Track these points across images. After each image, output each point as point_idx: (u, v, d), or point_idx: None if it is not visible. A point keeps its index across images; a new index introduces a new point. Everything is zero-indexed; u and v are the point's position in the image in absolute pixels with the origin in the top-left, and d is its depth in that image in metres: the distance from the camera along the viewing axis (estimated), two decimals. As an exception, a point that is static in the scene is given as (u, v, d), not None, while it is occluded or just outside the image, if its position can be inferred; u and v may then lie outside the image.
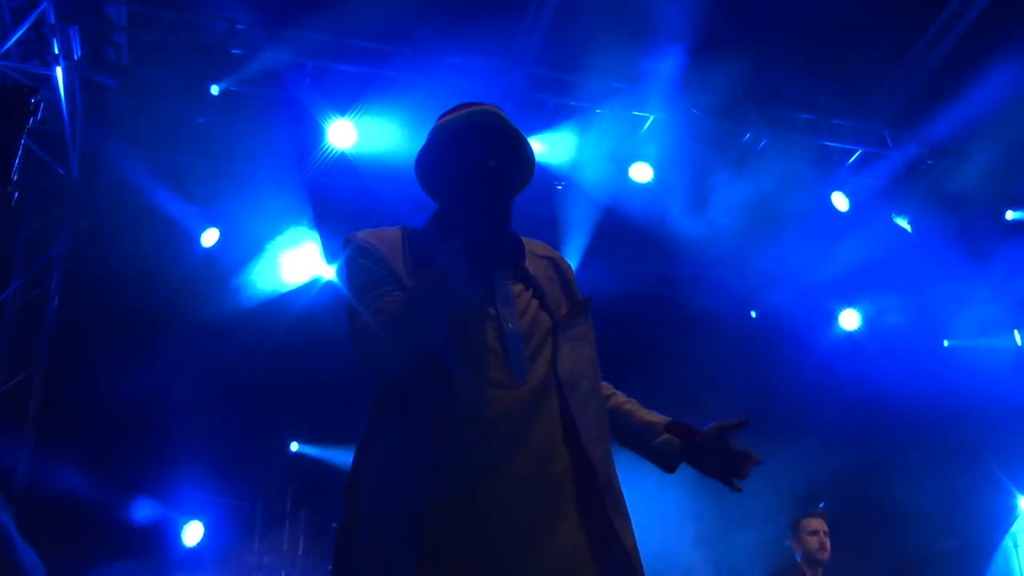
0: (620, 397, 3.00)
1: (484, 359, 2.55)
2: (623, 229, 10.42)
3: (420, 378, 2.51)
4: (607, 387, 2.98)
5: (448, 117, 2.84)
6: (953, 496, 10.37)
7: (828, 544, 6.71)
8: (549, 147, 9.45)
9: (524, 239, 2.88)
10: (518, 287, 2.70)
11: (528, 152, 2.89)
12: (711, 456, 2.82)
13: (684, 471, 2.87)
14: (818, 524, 6.75)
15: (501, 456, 2.47)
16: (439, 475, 2.43)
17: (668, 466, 2.84)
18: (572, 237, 10.08)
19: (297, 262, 9.99)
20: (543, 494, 2.48)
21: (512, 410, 2.51)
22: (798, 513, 6.97)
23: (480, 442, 2.47)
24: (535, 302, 2.70)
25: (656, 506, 9.21)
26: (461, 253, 2.49)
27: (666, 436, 2.84)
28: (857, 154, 10.19)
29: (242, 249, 9.78)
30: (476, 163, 2.68)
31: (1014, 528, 10.46)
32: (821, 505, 8.01)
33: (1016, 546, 10.47)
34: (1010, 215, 10.40)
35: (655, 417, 2.92)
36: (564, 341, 2.67)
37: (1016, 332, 10.70)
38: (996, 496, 10.35)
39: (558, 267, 2.88)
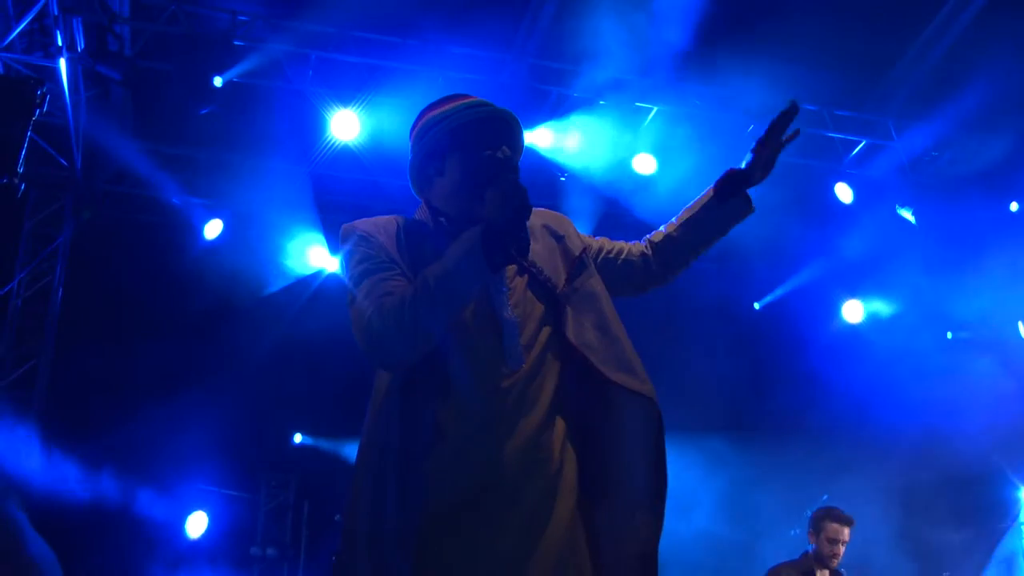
0: (658, 234, 3.18)
1: (480, 349, 2.57)
2: (626, 220, 10.41)
3: (420, 369, 2.52)
4: (637, 245, 3.15)
5: (441, 110, 2.82)
6: (957, 488, 10.38)
7: (842, 554, 6.73)
8: (552, 138, 9.44)
9: None
10: (511, 271, 2.71)
11: (523, 141, 2.90)
12: (764, 150, 3.19)
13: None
14: (841, 534, 6.73)
15: (498, 453, 2.50)
16: (437, 475, 2.48)
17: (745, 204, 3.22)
18: (575, 229, 10.06)
19: (301, 254, 9.99)
20: (537, 496, 2.52)
21: (508, 399, 2.54)
22: (825, 510, 6.96)
23: (477, 436, 2.51)
24: (527, 285, 2.70)
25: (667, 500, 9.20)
26: (480, 242, 2.45)
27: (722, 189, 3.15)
28: (861, 145, 10.16)
29: (245, 241, 9.78)
30: (494, 153, 2.68)
31: (1020, 519, 10.48)
32: (825, 497, 8.02)
33: (1022, 538, 10.49)
34: (1015, 207, 10.37)
35: (700, 200, 3.18)
36: (570, 309, 2.69)
37: (1020, 324, 10.68)
38: (999, 488, 10.35)
39: (555, 233, 2.88)
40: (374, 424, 2.59)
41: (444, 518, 2.47)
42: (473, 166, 2.68)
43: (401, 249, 2.67)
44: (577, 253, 2.83)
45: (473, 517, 2.48)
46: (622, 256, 3.07)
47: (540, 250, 2.79)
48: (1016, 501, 10.40)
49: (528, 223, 2.73)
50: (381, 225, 2.74)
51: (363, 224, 2.76)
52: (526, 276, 2.72)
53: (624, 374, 2.63)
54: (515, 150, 2.77)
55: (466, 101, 2.81)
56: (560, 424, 2.62)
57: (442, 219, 2.73)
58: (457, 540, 2.47)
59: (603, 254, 3.02)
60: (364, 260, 2.65)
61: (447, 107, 2.80)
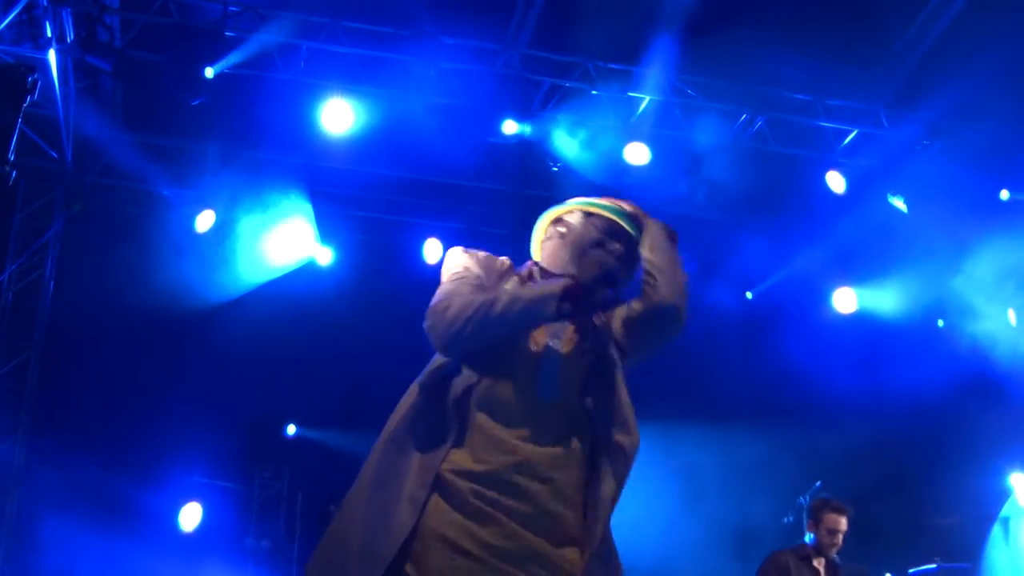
0: None
1: (519, 370, 2.82)
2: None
3: (471, 372, 2.80)
4: None
5: (587, 198, 3.18)
6: (947, 474, 10.44)
7: (841, 543, 6.81)
8: (544, 128, 9.44)
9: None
10: (571, 329, 2.94)
11: (637, 253, 3.11)
12: None
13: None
14: (841, 524, 6.81)
15: (511, 476, 2.69)
16: (457, 457, 2.70)
17: None
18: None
19: (292, 244, 9.99)
20: (533, 539, 2.66)
21: (533, 426, 2.77)
22: (823, 500, 7.01)
23: (501, 443, 2.72)
24: (583, 345, 2.93)
25: (663, 488, 9.25)
26: (560, 289, 2.73)
27: None
28: (853, 134, 10.17)
29: (237, 232, 9.77)
30: (607, 243, 3.06)
31: (1007, 505, 10.55)
32: (818, 484, 8.06)
33: (1008, 523, 10.58)
34: (1005, 195, 10.39)
35: None
36: (595, 382, 2.91)
37: (1010, 312, 10.72)
38: (988, 474, 10.41)
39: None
40: (407, 409, 2.82)
41: (456, 495, 2.63)
42: (586, 240, 3.07)
43: (491, 280, 2.99)
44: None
45: (482, 502, 2.63)
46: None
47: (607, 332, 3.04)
48: (1004, 486, 10.46)
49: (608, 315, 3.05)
50: (485, 257, 3.06)
51: (473, 250, 3.08)
52: (586, 340, 2.94)
53: (621, 433, 2.89)
54: (625, 251, 3.09)
55: (612, 203, 3.15)
56: (572, 457, 2.82)
57: (535, 271, 3.08)
58: (464, 516, 2.62)
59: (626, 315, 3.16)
60: (463, 266, 2.99)
61: (592, 199, 3.18)
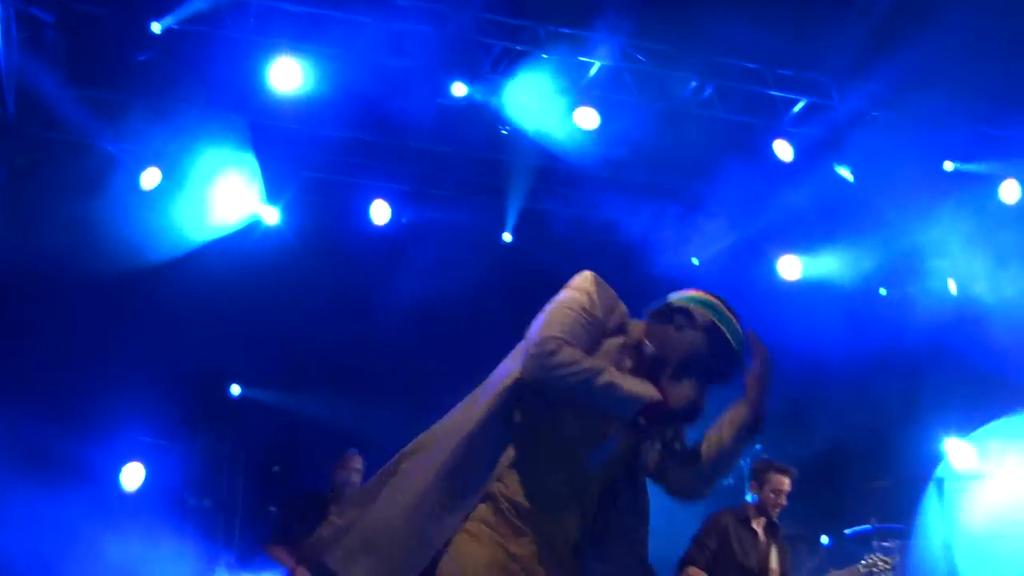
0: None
1: (584, 433, 2.98)
2: (568, 175, 10.45)
3: (537, 416, 2.95)
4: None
5: (728, 313, 3.20)
6: (883, 438, 10.65)
7: (785, 503, 6.95)
8: (494, 91, 9.43)
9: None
10: (632, 437, 3.06)
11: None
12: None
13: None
14: (785, 484, 6.93)
15: (547, 523, 2.93)
16: (515, 476, 2.92)
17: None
18: (517, 182, 10.08)
19: (238, 203, 9.91)
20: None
21: (581, 484, 2.99)
22: (766, 462, 7.13)
23: (542, 496, 2.92)
24: (643, 446, 3.14)
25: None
26: (646, 401, 2.83)
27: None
28: (802, 104, 10.23)
29: (182, 190, 9.67)
30: (696, 398, 3.00)
31: (941, 467, 10.81)
32: (758, 447, 8.18)
33: (943, 484, 10.84)
34: (948, 166, 10.54)
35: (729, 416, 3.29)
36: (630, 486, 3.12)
37: (950, 280, 10.90)
38: (924, 438, 10.61)
39: None
40: (484, 415, 2.94)
41: (499, 511, 2.87)
42: (696, 356, 3.06)
43: (607, 322, 3.07)
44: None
45: (518, 523, 2.88)
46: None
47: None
48: (939, 452, 10.68)
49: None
50: (611, 300, 3.13)
51: (604, 287, 3.13)
52: (651, 445, 3.17)
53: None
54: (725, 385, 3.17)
55: (739, 335, 3.18)
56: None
57: (645, 347, 3.10)
58: (506, 526, 2.87)
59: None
60: (589, 300, 3.03)
61: (730, 317, 3.20)
